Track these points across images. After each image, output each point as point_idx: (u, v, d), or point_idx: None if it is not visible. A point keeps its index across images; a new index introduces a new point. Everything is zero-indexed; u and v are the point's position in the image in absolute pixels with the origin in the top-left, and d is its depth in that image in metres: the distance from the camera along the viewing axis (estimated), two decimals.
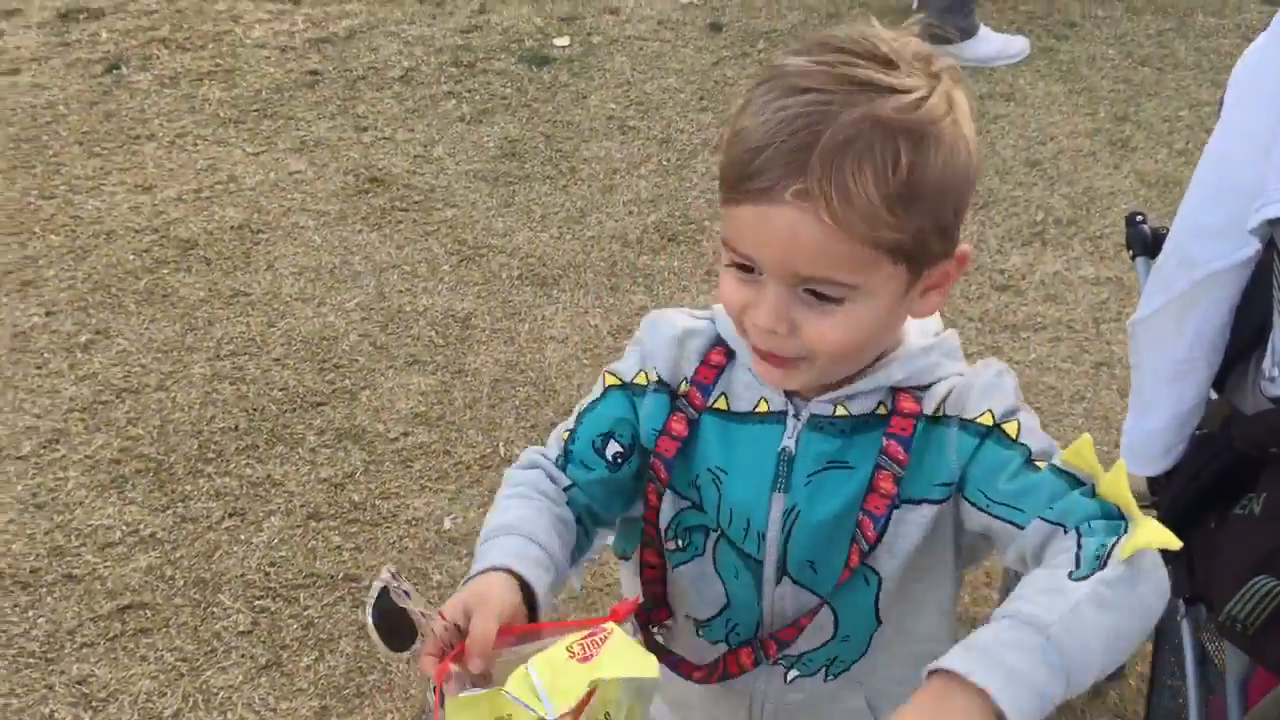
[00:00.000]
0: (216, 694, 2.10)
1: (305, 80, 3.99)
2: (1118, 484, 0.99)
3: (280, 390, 2.76)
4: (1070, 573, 0.95)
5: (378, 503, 2.49)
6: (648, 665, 0.97)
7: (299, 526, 2.42)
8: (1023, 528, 1.02)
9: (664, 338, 1.16)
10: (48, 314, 2.96)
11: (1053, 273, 3.18)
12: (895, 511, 1.07)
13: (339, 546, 2.39)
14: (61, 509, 2.44)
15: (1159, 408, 1.48)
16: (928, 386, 1.08)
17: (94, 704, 2.08)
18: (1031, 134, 3.78)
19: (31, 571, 2.31)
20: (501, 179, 3.52)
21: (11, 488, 2.48)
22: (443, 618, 0.98)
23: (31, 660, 2.15)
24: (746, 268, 1.01)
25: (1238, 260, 1.35)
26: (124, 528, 2.40)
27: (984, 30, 4.13)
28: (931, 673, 0.91)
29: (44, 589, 2.28)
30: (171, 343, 2.89)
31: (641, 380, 1.16)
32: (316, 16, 4.37)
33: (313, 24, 4.33)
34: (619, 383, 1.18)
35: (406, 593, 0.99)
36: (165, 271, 3.12)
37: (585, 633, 0.97)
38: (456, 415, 2.71)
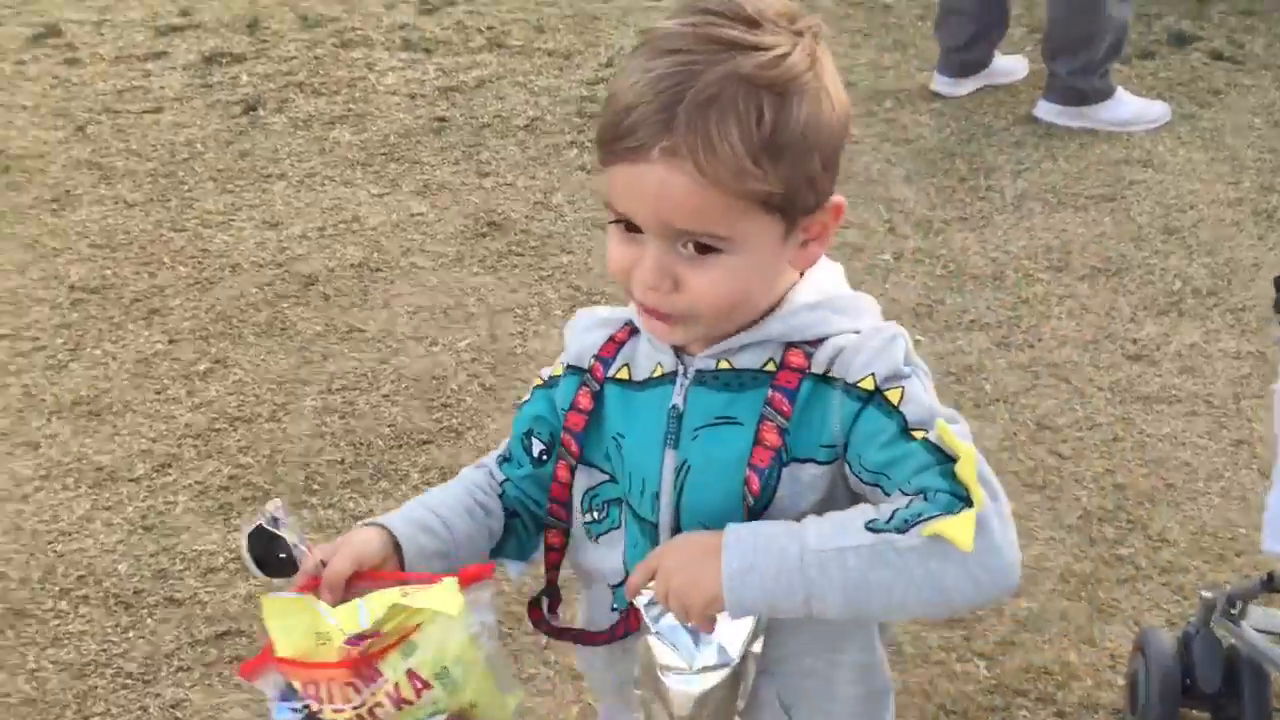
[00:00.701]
0: None
1: (432, 126, 4.06)
2: (969, 468, 1.00)
3: (388, 427, 2.76)
4: (870, 521, 1.02)
5: None
6: (450, 603, 1.06)
7: None
8: (889, 495, 1.04)
9: (579, 328, 1.22)
10: (170, 341, 3.03)
11: (1190, 344, 3.03)
12: (784, 470, 1.08)
13: None
14: (169, 532, 2.46)
15: None
16: (817, 343, 1.09)
17: None
18: (1170, 201, 3.63)
19: (135, 593, 2.32)
20: None
21: (123, 509, 2.52)
22: (313, 553, 1.11)
23: (129, 681, 2.15)
24: (631, 227, 1.04)
25: None
26: (227, 554, 2.41)
27: (1121, 92, 4.00)
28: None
29: (145, 610, 2.29)
30: (286, 375, 2.92)
31: (558, 371, 1.23)
32: (448, 66, 4.46)
33: (443, 73, 4.41)
34: (541, 382, 1.25)
35: (287, 525, 1.12)
36: (285, 305, 3.17)
37: (419, 583, 1.08)
38: None
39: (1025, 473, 2.62)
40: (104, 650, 2.20)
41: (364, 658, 1.08)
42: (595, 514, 1.20)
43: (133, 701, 2.11)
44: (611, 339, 1.19)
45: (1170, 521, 2.50)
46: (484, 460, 1.28)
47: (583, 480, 1.20)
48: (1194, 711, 2.02)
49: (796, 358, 1.09)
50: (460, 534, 1.18)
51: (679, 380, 1.13)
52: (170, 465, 2.64)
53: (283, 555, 1.12)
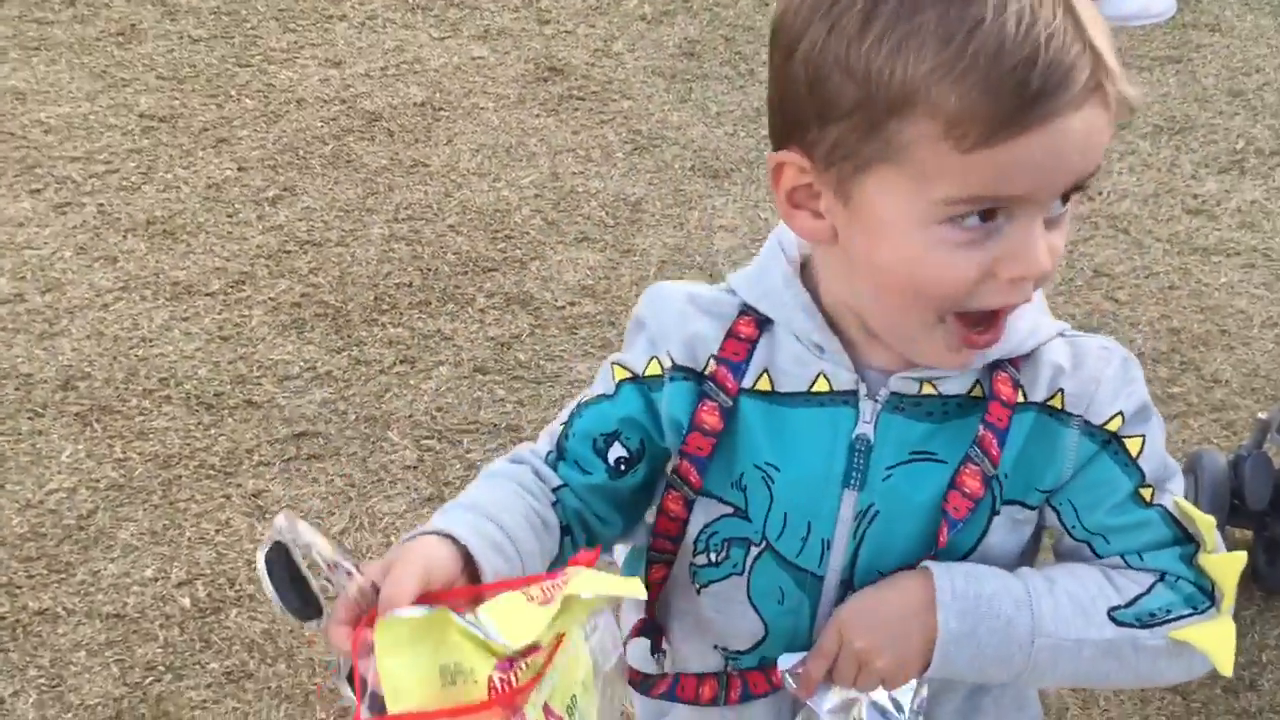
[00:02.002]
0: (381, 519, 2.18)
1: None
2: (1226, 567, 0.90)
3: (454, 254, 2.82)
4: (1114, 609, 0.90)
5: (542, 363, 2.53)
6: (631, 585, 0.83)
7: (466, 378, 2.48)
8: (1101, 557, 0.93)
9: (673, 311, 0.96)
10: (240, 169, 3.08)
11: (1250, 200, 3.03)
12: (989, 518, 0.92)
13: (503, 399, 2.44)
14: (245, 343, 2.55)
15: None
16: (1028, 355, 0.91)
17: (267, 515, 2.17)
18: (1236, 65, 3.59)
19: (215, 395, 2.42)
20: (679, 76, 3.51)
21: (200, 320, 2.60)
22: (360, 575, 0.78)
23: (211, 473, 2.25)
24: (987, 215, 0.80)
25: None
26: (302, 363, 2.49)
27: None
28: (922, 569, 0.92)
29: (226, 411, 2.38)
30: (353, 204, 2.97)
31: (655, 370, 0.96)
32: None
33: None
34: (630, 375, 0.98)
35: (309, 544, 0.79)
36: (350, 139, 3.21)
37: (544, 582, 0.79)
38: (622, 290, 2.73)
39: (1081, 315, 2.66)
40: (187, 444, 2.30)
41: (517, 689, 0.77)
42: (712, 555, 0.97)
43: (215, 490, 2.22)
44: (732, 334, 0.94)
45: (1224, 364, 2.54)
46: (521, 454, 1.00)
47: (698, 514, 0.97)
48: (1236, 531, 2.08)
49: (1005, 385, 0.90)
50: (526, 553, 0.90)
51: (863, 402, 0.91)
52: (244, 282, 2.71)
53: (308, 583, 0.80)
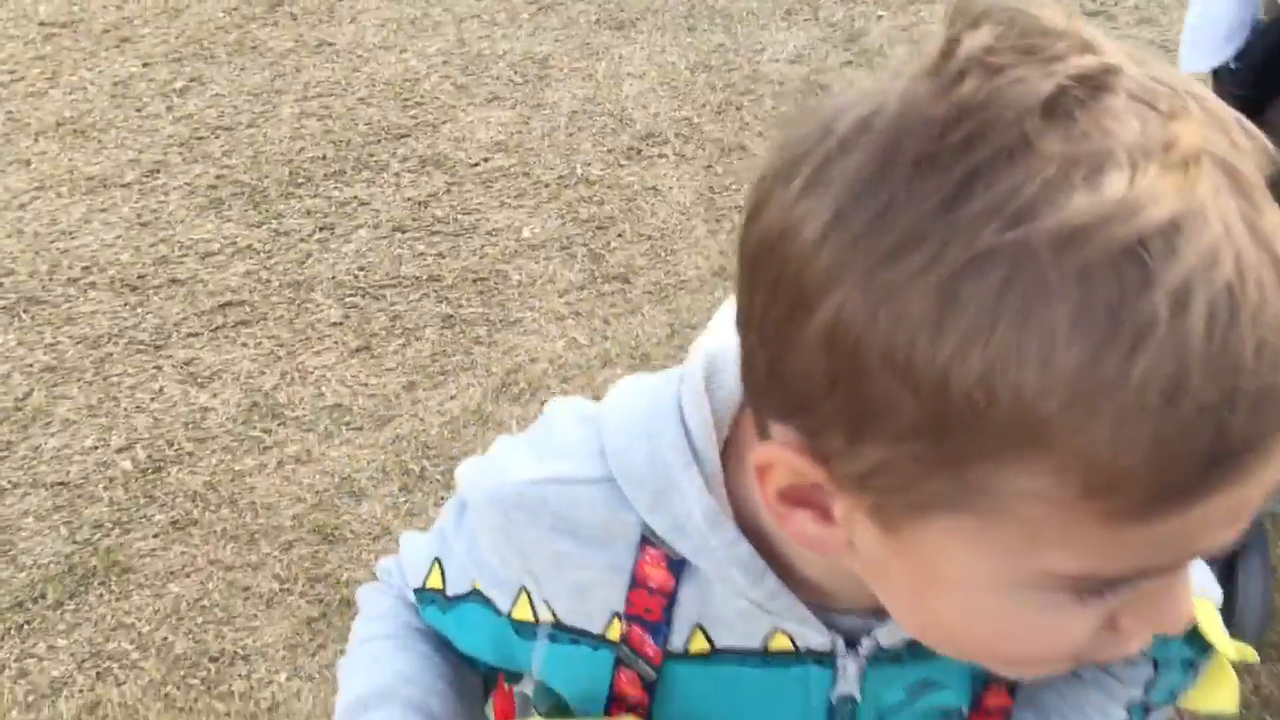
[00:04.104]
0: (312, 372, 2.23)
1: None
2: (1213, 620, 0.78)
3: (365, 125, 2.84)
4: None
5: (459, 217, 2.57)
6: None
7: (385, 238, 2.52)
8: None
9: (543, 551, 0.67)
10: (145, 65, 3.07)
11: None
12: None
13: (423, 253, 2.48)
14: (164, 226, 2.57)
15: None
16: None
17: (200, 381, 2.22)
18: None
19: (139, 277, 2.45)
20: None
21: (118, 210, 2.62)
22: None
23: (142, 347, 2.30)
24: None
25: None
26: (223, 240, 2.53)
27: None
28: None
29: (151, 290, 2.42)
30: (261, 87, 2.98)
31: (524, 615, 0.70)
32: None
33: None
34: (484, 596, 0.72)
35: None
36: (254, 27, 3.20)
37: None
38: (535, 143, 2.76)
39: None
40: (115, 324, 2.34)
41: None
42: None
43: (147, 363, 2.26)
44: (638, 584, 0.67)
45: None
46: (388, 584, 0.80)
47: None
48: None
49: None
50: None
51: (842, 660, 0.69)
52: (159, 171, 2.73)
53: None
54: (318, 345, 2.29)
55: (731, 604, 0.66)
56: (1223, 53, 1.48)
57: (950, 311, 0.45)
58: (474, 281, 2.41)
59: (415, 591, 0.76)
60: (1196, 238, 0.44)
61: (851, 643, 0.68)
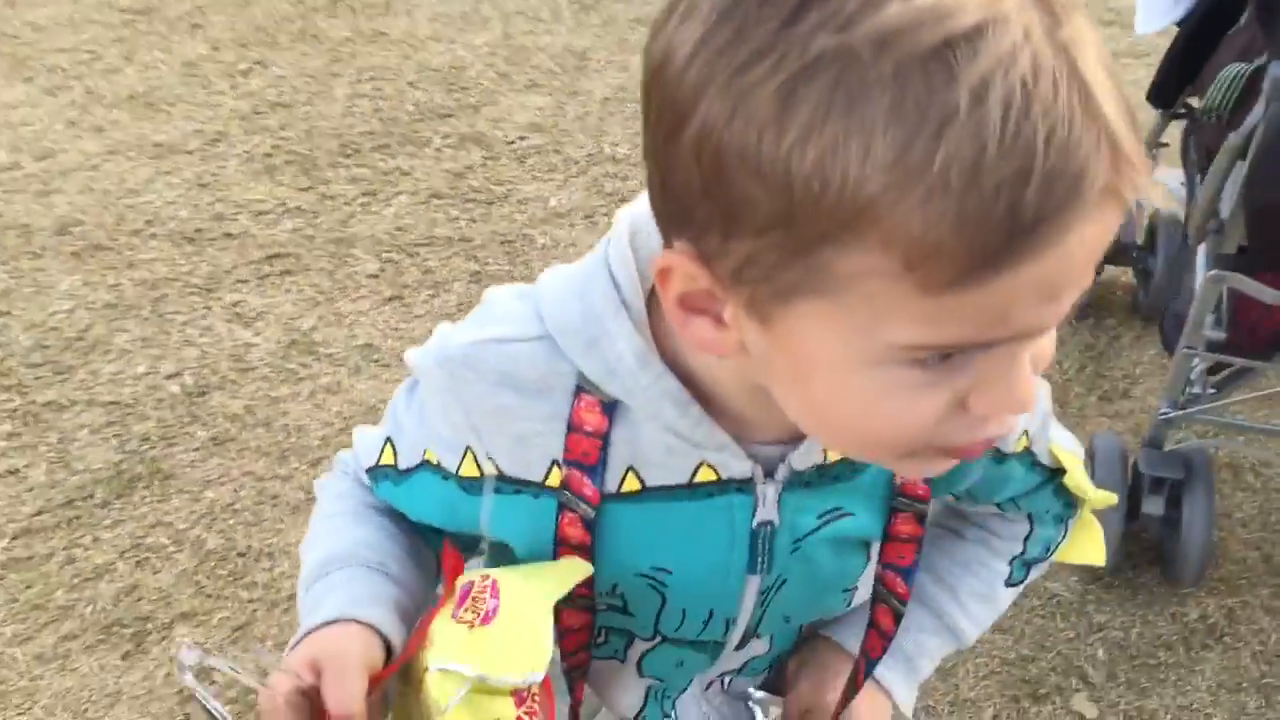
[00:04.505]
0: (347, 316, 2.42)
1: None
2: (1078, 474, 0.87)
3: (412, 105, 3.05)
4: (1009, 579, 0.92)
5: (492, 187, 2.75)
6: (571, 569, 0.75)
7: (423, 203, 2.71)
8: (976, 505, 0.89)
9: (486, 405, 0.73)
10: (213, 49, 3.31)
11: None
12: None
13: (456, 218, 2.67)
14: (222, 188, 2.79)
15: None
16: None
17: (245, 320, 2.41)
18: None
19: (196, 230, 2.66)
20: None
21: (180, 173, 2.84)
22: (281, 684, 0.68)
23: (195, 290, 2.50)
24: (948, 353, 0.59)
25: None
26: (274, 201, 2.73)
27: None
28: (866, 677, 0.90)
29: (206, 242, 2.62)
30: (319, 71, 3.20)
31: (471, 470, 0.76)
32: None
33: None
34: (434, 464, 0.78)
35: (212, 679, 0.72)
36: (316, 17, 3.44)
37: (454, 600, 0.72)
38: (568, 124, 2.95)
39: None
40: (172, 270, 2.55)
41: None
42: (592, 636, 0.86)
43: (198, 304, 2.46)
44: (575, 428, 0.73)
45: None
46: (344, 472, 0.87)
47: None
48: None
49: None
50: (418, 596, 0.81)
51: (761, 487, 0.76)
52: (220, 140, 2.95)
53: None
54: (354, 294, 2.47)
55: (659, 441, 0.73)
56: (1172, 14, 1.62)
57: (789, 111, 0.52)
58: (502, 244, 2.59)
59: (368, 471, 0.83)
60: (997, 41, 0.51)
61: (770, 473, 0.75)
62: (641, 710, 0.92)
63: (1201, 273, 1.53)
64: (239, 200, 2.74)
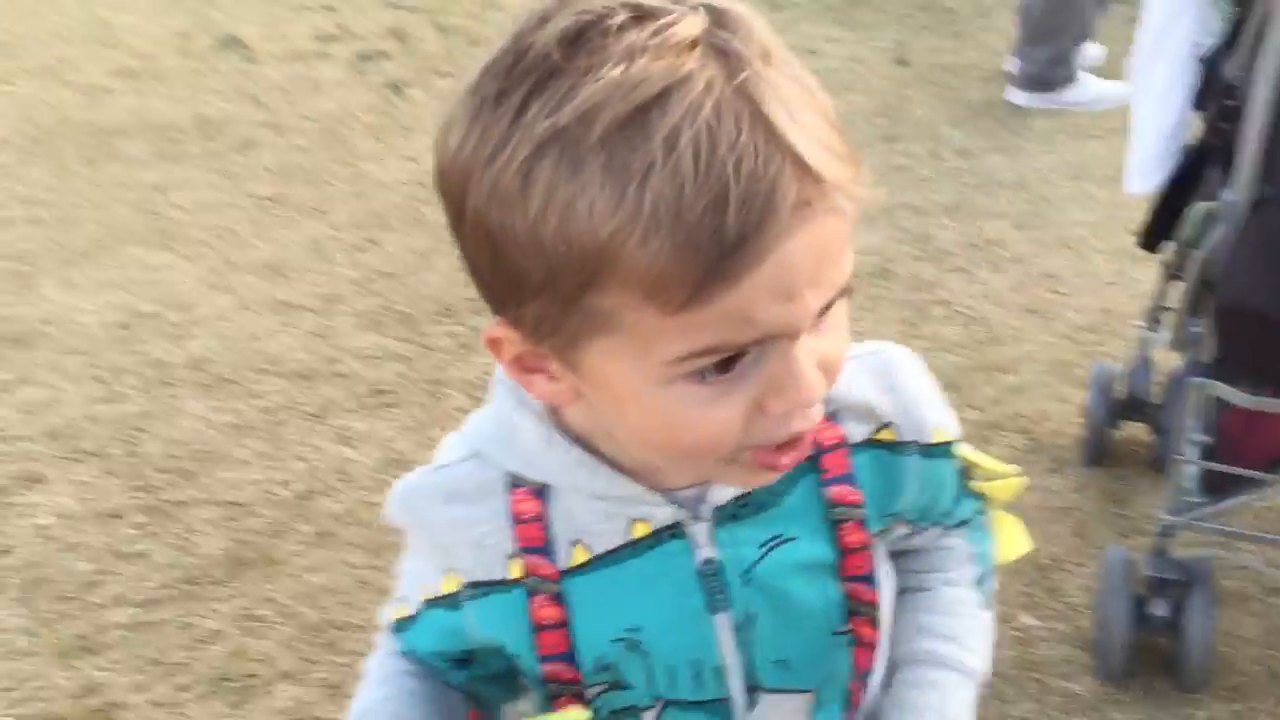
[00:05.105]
0: (439, 441, 2.71)
1: None
2: (979, 455, 0.95)
3: None
4: (980, 603, 0.97)
5: None
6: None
7: None
8: (924, 526, 0.95)
9: (441, 520, 0.87)
10: (334, 230, 3.76)
11: None
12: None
13: None
14: (335, 338, 3.15)
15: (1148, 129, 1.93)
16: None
17: (350, 442, 2.72)
18: None
19: (311, 370, 3.01)
20: None
21: (300, 326, 3.22)
22: None
23: (308, 417, 2.82)
24: (729, 362, 0.69)
25: None
26: (381, 350, 3.09)
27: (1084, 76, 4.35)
28: None
29: (320, 380, 2.97)
30: (425, 249, 3.62)
31: (450, 588, 0.89)
32: None
33: None
34: (431, 598, 0.92)
35: None
36: (423, 207, 3.89)
37: None
38: None
39: (1028, 303, 3.16)
40: (288, 400, 2.88)
41: None
42: None
43: (310, 427, 2.78)
44: (516, 519, 0.85)
45: None
46: (379, 648, 0.98)
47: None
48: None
49: (826, 429, 0.84)
50: None
51: (691, 529, 0.84)
52: (336, 301, 3.34)
53: None
54: (446, 423, 2.75)
55: (590, 509, 0.83)
56: (1157, 177, 1.93)
57: (529, 188, 0.64)
58: None
59: (390, 630, 0.95)
60: (682, 98, 0.62)
61: (695, 514, 0.84)
62: None
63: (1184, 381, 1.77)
64: (349, 348, 3.10)
